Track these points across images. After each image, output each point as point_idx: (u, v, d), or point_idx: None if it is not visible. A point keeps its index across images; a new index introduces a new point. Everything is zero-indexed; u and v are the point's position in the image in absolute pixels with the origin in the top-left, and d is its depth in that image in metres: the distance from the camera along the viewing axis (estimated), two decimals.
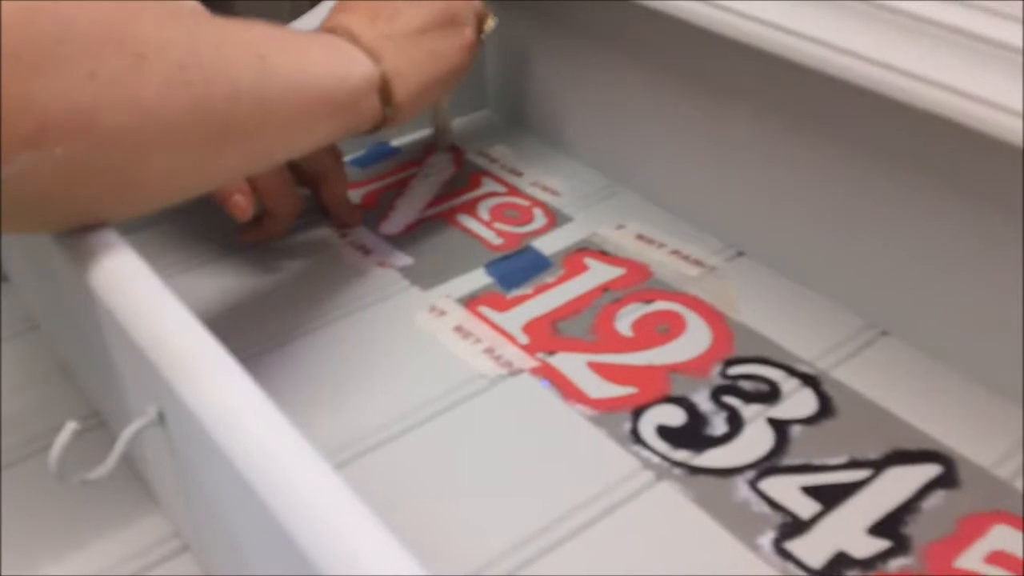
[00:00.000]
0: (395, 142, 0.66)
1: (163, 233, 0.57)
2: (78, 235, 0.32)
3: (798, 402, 0.45)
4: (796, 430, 0.44)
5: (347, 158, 0.64)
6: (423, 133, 0.67)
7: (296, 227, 0.57)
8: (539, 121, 0.66)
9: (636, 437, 0.43)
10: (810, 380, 0.46)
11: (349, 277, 0.53)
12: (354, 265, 0.54)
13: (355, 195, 0.60)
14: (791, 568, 0.38)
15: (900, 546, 0.38)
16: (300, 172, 0.54)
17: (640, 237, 0.57)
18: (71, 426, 0.28)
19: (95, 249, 0.32)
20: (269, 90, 0.35)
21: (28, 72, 0.26)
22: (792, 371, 0.47)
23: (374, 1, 0.47)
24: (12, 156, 0.26)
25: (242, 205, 0.49)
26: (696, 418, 0.45)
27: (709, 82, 0.52)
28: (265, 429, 0.25)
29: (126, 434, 0.29)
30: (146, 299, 0.30)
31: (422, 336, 0.49)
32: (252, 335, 0.49)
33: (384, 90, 0.45)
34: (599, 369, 0.47)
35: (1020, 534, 0.39)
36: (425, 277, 0.53)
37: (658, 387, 0.46)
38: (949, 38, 0.40)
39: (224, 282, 0.53)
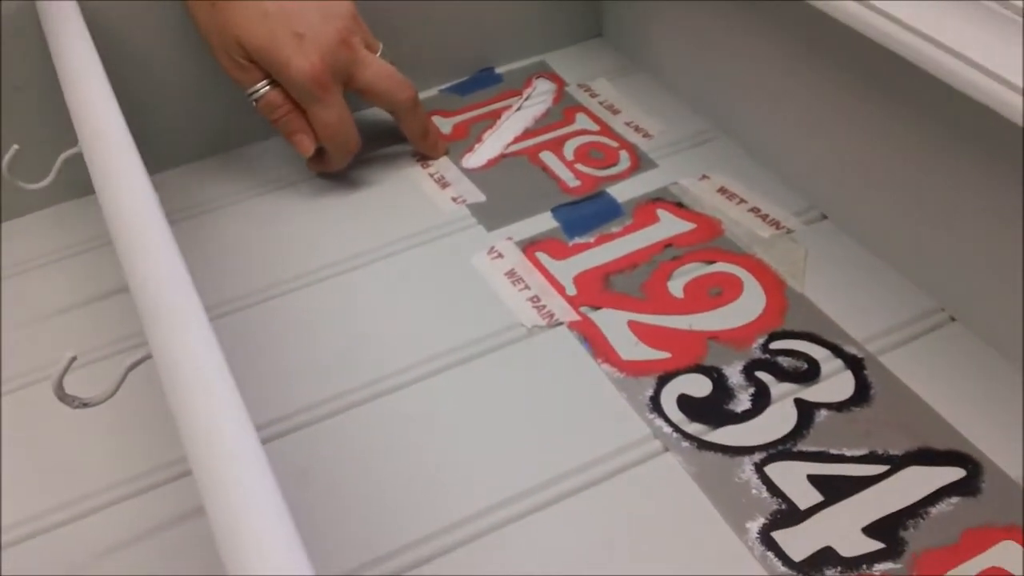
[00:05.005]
0: (500, 68, 0.66)
1: (245, 157, 0.60)
2: None
3: (834, 385, 0.44)
4: (822, 415, 0.43)
5: (447, 85, 0.65)
6: (530, 60, 0.67)
7: (384, 154, 0.59)
8: (651, 55, 0.64)
9: (655, 405, 0.44)
10: (854, 363, 0.45)
11: (419, 210, 0.55)
12: (428, 198, 0.56)
13: (447, 124, 0.62)
14: (771, 558, 0.38)
15: (892, 550, 0.38)
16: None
17: (722, 190, 0.55)
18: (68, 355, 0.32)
19: None
20: None
21: None
22: (839, 351, 0.46)
23: None
24: None
25: (305, 143, 0.54)
26: (721, 391, 0.44)
27: (827, 35, 0.49)
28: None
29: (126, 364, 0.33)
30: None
31: (474, 278, 0.51)
32: (309, 262, 0.52)
33: None
34: (638, 329, 0.47)
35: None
36: (492, 217, 0.55)
37: (692, 354, 0.46)
38: None
39: (293, 206, 0.56)
